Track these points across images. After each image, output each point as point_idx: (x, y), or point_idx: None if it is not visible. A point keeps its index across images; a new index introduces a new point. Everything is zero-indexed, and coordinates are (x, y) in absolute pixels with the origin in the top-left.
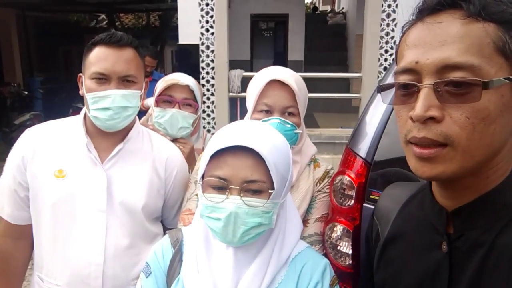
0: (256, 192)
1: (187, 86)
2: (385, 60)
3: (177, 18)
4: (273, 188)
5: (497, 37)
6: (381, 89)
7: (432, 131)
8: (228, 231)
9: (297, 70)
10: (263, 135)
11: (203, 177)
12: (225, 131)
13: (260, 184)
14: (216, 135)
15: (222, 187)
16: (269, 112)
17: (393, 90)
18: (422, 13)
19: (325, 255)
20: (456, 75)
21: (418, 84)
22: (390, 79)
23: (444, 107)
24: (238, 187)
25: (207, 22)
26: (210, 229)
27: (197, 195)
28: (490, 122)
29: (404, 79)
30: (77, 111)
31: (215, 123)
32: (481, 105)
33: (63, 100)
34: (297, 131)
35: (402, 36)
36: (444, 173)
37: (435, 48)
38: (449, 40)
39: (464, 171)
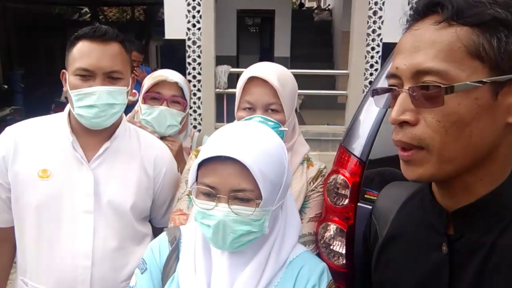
0: (244, 201)
1: (176, 83)
2: (372, 57)
3: (162, 13)
4: (261, 198)
5: (469, 41)
6: (375, 93)
7: (407, 134)
8: (218, 238)
9: (283, 66)
10: (252, 141)
11: (196, 181)
12: (216, 137)
13: (247, 194)
14: (209, 139)
15: (211, 195)
16: (251, 109)
17: (386, 94)
18: (408, 20)
19: (318, 254)
20: (426, 80)
21: (397, 89)
22: (381, 82)
23: (419, 111)
24: (226, 196)
25: (193, 17)
26: (204, 234)
27: (188, 195)
28: (463, 126)
29: (390, 83)
30: (60, 106)
31: (201, 119)
32: (450, 109)
33: (45, 94)
34: (282, 128)
35: None
36: (423, 176)
37: (410, 54)
38: (422, 46)
39: (445, 174)
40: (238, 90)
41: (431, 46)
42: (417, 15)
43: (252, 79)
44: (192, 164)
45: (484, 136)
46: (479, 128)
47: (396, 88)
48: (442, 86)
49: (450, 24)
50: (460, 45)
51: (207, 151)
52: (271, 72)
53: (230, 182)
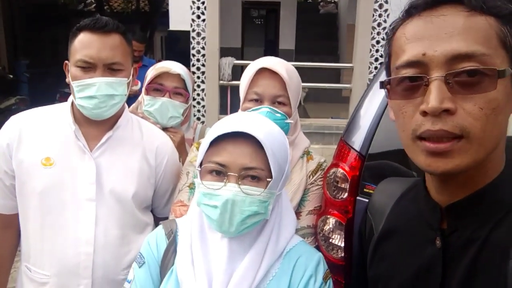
0: (254, 179)
1: (178, 75)
2: (377, 51)
3: (167, 4)
4: (271, 177)
5: (499, 30)
6: (383, 85)
7: (448, 123)
8: (225, 219)
9: (288, 59)
10: (263, 124)
11: (201, 164)
12: (225, 120)
13: (258, 171)
14: (216, 124)
15: (220, 173)
16: (259, 101)
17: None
18: (418, 8)
19: (317, 247)
20: (468, 65)
21: (428, 77)
22: (383, 76)
23: (455, 99)
24: (236, 174)
25: (198, 8)
26: (207, 217)
27: (189, 186)
28: (499, 113)
29: (408, 72)
30: (64, 96)
31: (205, 111)
32: (493, 95)
33: (49, 84)
34: (288, 120)
35: (394, 34)
36: (459, 167)
37: (442, 40)
38: (456, 32)
39: (476, 163)
40: (245, 81)
41: (467, 31)
42: (442, 1)
43: (260, 71)
44: (200, 147)
45: (506, 125)
46: (506, 116)
47: (425, 75)
48: (497, 70)
49: (479, 13)
50: (493, 32)
51: (217, 130)
52: (280, 64)
53: (241, 160)
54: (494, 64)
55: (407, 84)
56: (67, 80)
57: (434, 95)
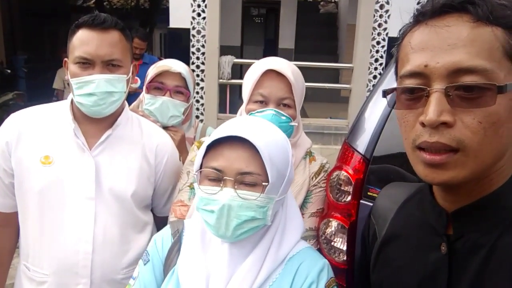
0: (251, 185)
1: (179, 74)
2: (377, 51)
3: (167, 1)
4: (268, 181)
5: (505, 41)
6: (386, 93)
7: (445, 136)
8: (221, 224)
9: (287, 58)
10: (262, 129)
11: (199, 167)
12: (224, 124)
13: (254, 177)
14: (217, 128)
15: (217, 178)
16: (264, 103)
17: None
18: (425, 16)
19: (319, 250)
20: (468, 79)
21: (428, 88)
22: (387, 80)
23: (454, 112)
24: (232, 179)
25: (198, 6)
26: (205, 222)
27: (189, 186)
28: (499, 126)
29: (411, 83)
30: (62, 93)
31: (204, 109)
32: (493, 109)
33: (47, 80)
34: (292, 123)
35: (402, 39)
36: (455, 179)
37: (445, 52)
38: (460, 44)
39: (474, 176)
40: (250, 82)
41: (471, 44)
42: (447, 9)
43: (266, 73)
44: (198, 151)
45: (509, 137)
46: (508, 129)
47: (425, 87)
48: (496, 85)
49: (486, 24)
50: (498, 45)
51: (216, 134)
52: (287, 66)
53: (238, 164)
54: (496, 78)
55: (409, 94)
56: (66, 77)
57: (433, 108)
